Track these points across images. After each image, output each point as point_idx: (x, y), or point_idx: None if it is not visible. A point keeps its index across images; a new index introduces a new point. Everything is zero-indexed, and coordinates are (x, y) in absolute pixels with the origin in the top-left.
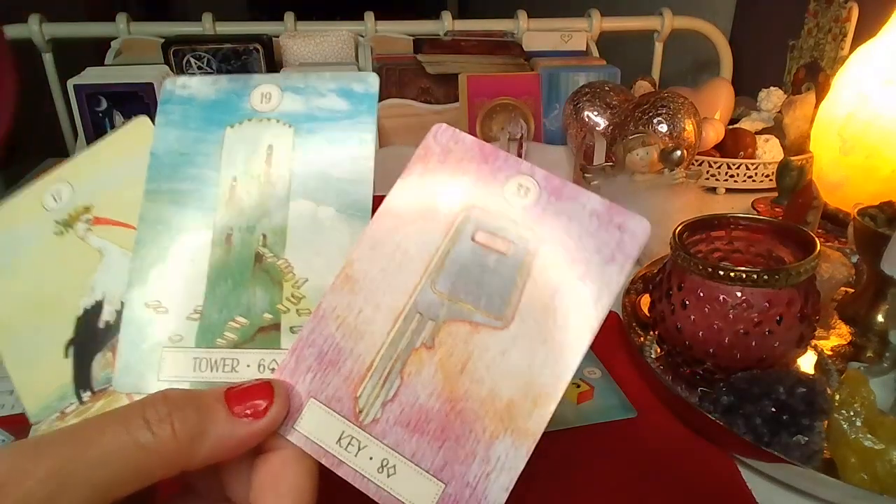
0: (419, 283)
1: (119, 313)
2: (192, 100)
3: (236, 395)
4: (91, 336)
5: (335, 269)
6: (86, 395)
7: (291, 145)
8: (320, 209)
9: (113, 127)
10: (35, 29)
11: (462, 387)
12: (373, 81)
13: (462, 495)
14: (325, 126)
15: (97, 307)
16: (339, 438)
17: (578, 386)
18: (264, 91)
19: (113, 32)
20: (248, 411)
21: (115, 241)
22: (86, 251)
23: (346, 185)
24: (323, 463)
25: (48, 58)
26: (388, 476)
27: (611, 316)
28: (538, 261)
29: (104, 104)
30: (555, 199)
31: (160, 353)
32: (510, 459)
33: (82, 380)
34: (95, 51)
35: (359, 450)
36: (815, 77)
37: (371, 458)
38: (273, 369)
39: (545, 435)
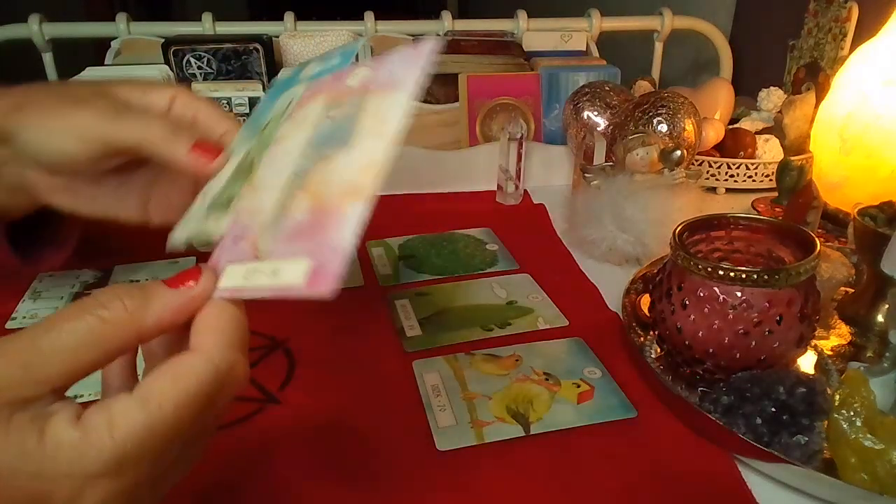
0: (295, 159)
1: None
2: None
3: (172, 279)
4: None
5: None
6: None
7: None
8: None
9: None
10: (35, 29)
11: (324, 194)
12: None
13: (325, 256)
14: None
15: None
16: (246, 275)
17: (578, 386)
18: None
19: (113, 32)
20: (184, 285)
21: None
22: None
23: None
24: (238, 297)
25: (48, 58)
26: (276, 277)
27: (611, 316)
28: (367, 97)
29: None
30: (377, 64)
31: None
32: (356, 215)
33: None
34: (95, 51)
35: (257, 274)
36: (815, 77)
37: (265, 274)
38: None
39: (545, 435)
